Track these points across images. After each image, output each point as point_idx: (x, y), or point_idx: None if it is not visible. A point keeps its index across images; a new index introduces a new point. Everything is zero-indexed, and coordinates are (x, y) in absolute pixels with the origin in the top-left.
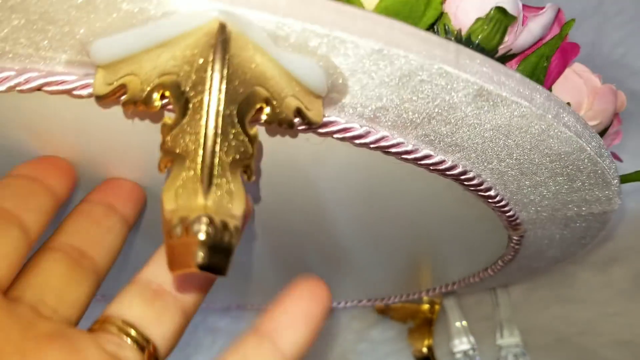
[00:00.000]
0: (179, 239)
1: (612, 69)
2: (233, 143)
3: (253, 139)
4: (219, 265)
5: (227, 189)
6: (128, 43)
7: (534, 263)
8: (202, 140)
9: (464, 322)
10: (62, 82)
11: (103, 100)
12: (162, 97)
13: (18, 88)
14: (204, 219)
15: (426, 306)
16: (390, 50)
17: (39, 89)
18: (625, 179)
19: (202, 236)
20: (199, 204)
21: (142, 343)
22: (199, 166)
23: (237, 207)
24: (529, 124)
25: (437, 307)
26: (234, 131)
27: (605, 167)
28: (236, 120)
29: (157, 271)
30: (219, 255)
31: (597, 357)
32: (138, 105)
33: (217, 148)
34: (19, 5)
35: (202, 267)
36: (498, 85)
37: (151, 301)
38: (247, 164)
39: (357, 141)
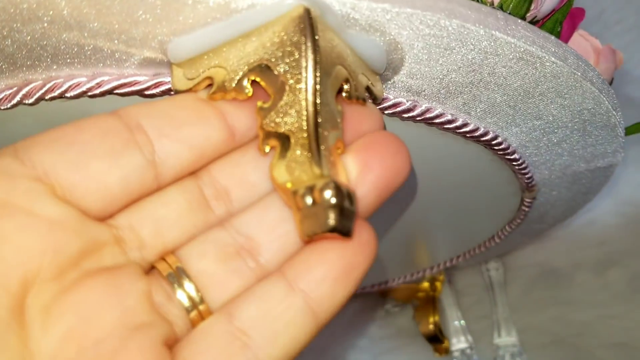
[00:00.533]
0: (310, 206)
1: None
2: (328, 118)
3: (341, 114)
4: (348, 227)
5: (332, 160)
6: (210, 38)
7: (537, 225)
8: (305, 117)
9: (462, 322)
10: (135, 83)
11: (184, 92)
12: (252, 83)
13: (90, 93)
14: (332, 184)
15: (427, 284)
16: (451, 20)
17: (111, 91)
18: (627, 131)
19: (333, 200)
20: (316, 173)
21: (195, 304)
22: (306, 141)
23: (343, 178)
24: (560, 82)
25: (438, 284)
26: (328, 107)
27: (617, 120)
28: (328, 96)
29: (252, 222)
30: (348, 218)
31: (593, 358)
32: (228, 94)
33: (319, 123)
34: (105, 7)
35: (335, 229)
36: (539, 47)
37: (227, 258)
38: (339, 138)
39: (405, 115)
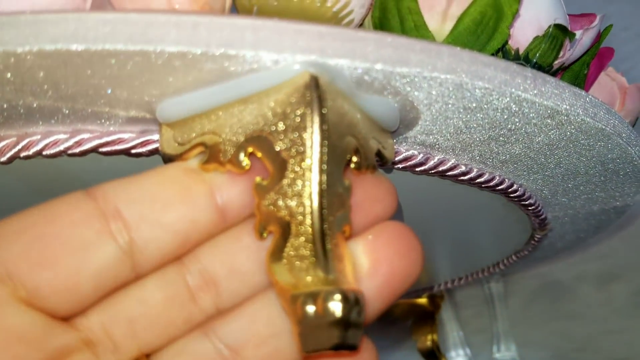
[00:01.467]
0: (312, 318)
1: None
2: (335, 200)
3: (349, 190)
4: (354, 342)
5: (337, 253)
6: (204, 100)
7: (544, 254)
8: (309, 204)
9: (461, 334)
10: (120, 141)
11: (173, 159)
12: (250, 155)
13: (69, 152)
14: (338, 295)
15: (424, 300)
16: (474, 83)
17: (93, 150)
18: None
19: (339, 313)
20: (319, 276)
21: None
22: (310, 233)
23: (350, 274)
24: (589, 137)
25: (439, 300)
26: (334, 188)
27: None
28: (335, 175)
29: (238, 332)
30: (354, 331)
31: None
32: (222, 166)
33: (325, 209)
34: (84, 73)
35: (339, 347)
36: (569, 106)
37: None
38: (346, 218)
39: (418, 169)
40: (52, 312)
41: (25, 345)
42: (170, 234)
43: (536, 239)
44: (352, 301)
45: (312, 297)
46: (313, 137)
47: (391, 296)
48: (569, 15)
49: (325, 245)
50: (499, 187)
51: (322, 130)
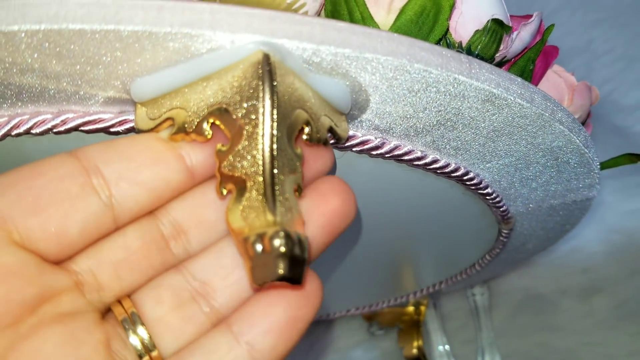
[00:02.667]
0: (260, 254)
1: (600, 105)
2: (286, 162)
3: (300, 157)
4: (298, 276)
5: (287, 205)
6: (171, 79)
7: (517, 255)
8: (261, 163)
9: (447, 346)
10: (100, 121)
11: (146, 132)
12: (212, 126)
13: (55, 130)
14: (282, 233)
15: (411, 308)
16: (412, 65)
17: (76, 129)
18: (602, 165)
19: (282, 249)
20: (268, 220)
21: (148, 350)
22: (261, 185)
23: (299, 223)
24: (528, 123)
25: (422, 308)
26: (285, 152)
27: (590, 157)
28: (286, 141)
29: (207, 267)
30: (297, 266)
31: None
32: (189, 135)
33: (275, 168)
34: (66, 51)
35: (284, 278)
36: (504, 90)
37: (182, 304)
38: (297, 182)
39: (374, 152)
40: (43, 255)
41: (20, 280)
42: (145, 191)
43: (504, 234)
44: (295, 239)
45: (260, 236)
46: (265, 105)
47: (333, 235)
48: (511, 15)
49: (274, 196)
50: (454, 174)
51: (272, 100)
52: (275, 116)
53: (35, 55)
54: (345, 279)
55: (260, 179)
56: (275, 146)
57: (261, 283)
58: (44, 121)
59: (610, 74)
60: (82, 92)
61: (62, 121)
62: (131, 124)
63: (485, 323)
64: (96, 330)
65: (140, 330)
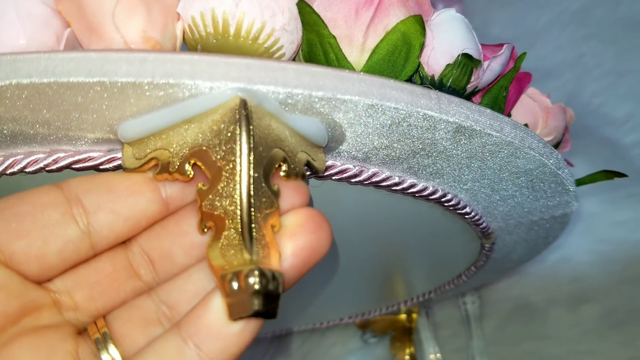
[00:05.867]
0: (236, 291)
1: (589, 118)
2: (263, 200)
3: (277, 194)
4: (272, 310)
5: (264, 242)
6: (155, 122)
7: (503, 265)
8: (238, 202)
9: (439, 355)
10: (89, 159)
11: (133, 171)
12: (193, 166)
13: (48, 168)
14: (256, 272)
15: (404, 316)
16: (383, 104)
17: (67, 167)
18: (579, 182)
19: (257, 286)
20: (245, 258)
21: None
22: (239, 225)
23: (275, 258)
24: (499, 150)
25: (414, 315)
26: (262, 190)
27: (563, 177)
28: (262, 180)
29: (174, 292)
30: (272, 302)
31: None
32: (172, 175)
33: (252, 208)
34: (55, 101)
35: (259, 314)
36: (473, 122)
37: (148, 325)
38: (274, 217)
39: (353, 180)
40: (25, 275)
41: (5, 294)
42: (122, 220)
43: (486, 248)
44: (269, 276)
45: (236, 274)
46: (242, 149)
47: (308, 266)
48: (483, 45)
49: (252, 235)
50: (432, 197)
51: (248, 143)
52: (252, 158)
53: (28, 106)
54: (338, 289)
55: (238, 219)
56: (252, 187)
57: (237, 318)
58: (36, 160)
59: (600, 87)
60: (71, 135)
61: (53, 160)
62: (119, 162)
63: (476, 331)
64: (68, 342)
65: (111, 349)
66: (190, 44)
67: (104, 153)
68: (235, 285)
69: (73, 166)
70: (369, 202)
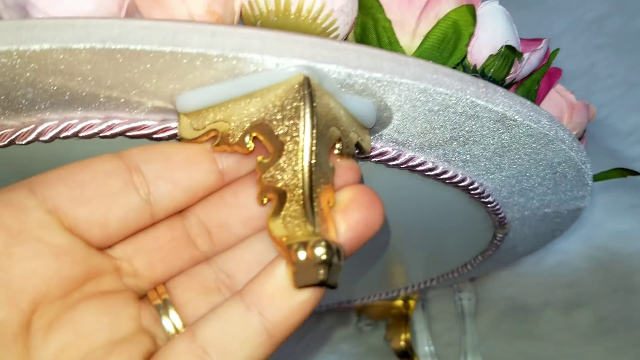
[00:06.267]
0: (303, 261)
1: (595, 127)
2: (321, 176)
3: (333, 170)
4: (334, 281)
5: (322, 216)
6: (217, 95)
7: (507, 256)
8: (300, 176)
9: (432, 347)
10: (144, 127)
11: (191, 141)
12: (253, 139)
13: (102, 134)
14: (323, 243)
15: (400, 302)
16: (435, 89)
17: (121, 134)
18: (595, 178)
19: (324, 257)
20: (308, 230)
21: (178, 331)
22: (301, 198)
23: (332, 232)
24: (533, 142)
25: (412, 302)
26: (321, 166)
27: (585, 172)
28: (322, 156)
29: (233, 262)
30: (335, 273)
31: None
32: (232, 147)
33: (313, 182)
34: (123, 66)
35: (323, 284)
36: (515, 112)
37: (208, 293)
38: (330, 193)
39: (391, 163)
40: (88, 241)
41: (70, 259)
42: (180, 190)
43: (498, 238)
44: (334, 249)
45: (303, 244)
46: (305, 125)
47: (361, 242)
48: (521, 39)
49: (313, 208)
50: (461, 184)
51: (312, 120)
52: (314, 134)
53: (95, 71)
54: (343, 273)
55: (300, 191)
56: (314, 161)
57: (302, 286)
58: (91, 126)
59: (609, 97)
60: (131, 102)
61: (108, 126)
62: (173, 132)
63: (470, 327)
64: (131, 307)
65: (172, 314)
66: (248, 20)
67: (158, 122)
68: (302, 255)
69: (127, 134)
70: (401, 186)
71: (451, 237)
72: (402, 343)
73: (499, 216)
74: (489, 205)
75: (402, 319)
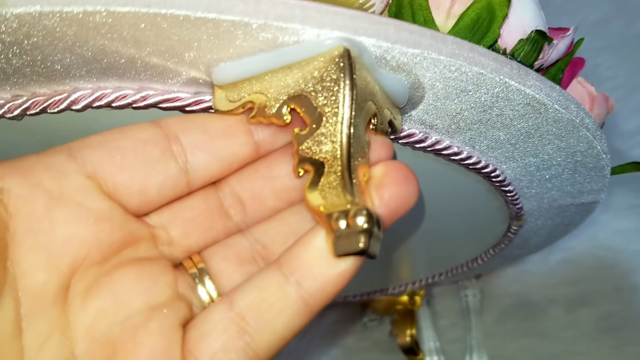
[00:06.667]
0: (343, 229)
1: None
2: (359, 149)
3: (369, 145)
4: (375, 251)
5: (360, 188)
6: (255, 66)
7: (519, 250)
8: (339, 148)
9: (437, 344)
10: (177, 99)
11: (225, 114)
12: (290, 111)
13: (135, 105)
14: (364, 211)
15: (406, 298)
16: (471, 68)
17: (154, 105)
18: (613, 171)
19: (365, 225)
20: (348, 199)
21: (214, 300)
22: (339, 169)
23: (370, 204)
24: (560, 127)
25: (417, 298)
26: (359, 139)
27: (605, 163)
28: (360, 129)
29: (268, 233)
30: (375, 242)
31: None
32: (268, 119)
33: (352, 153)
34: (164, 32)
35: (364, 252)
36: (546, 96)
37: (244, 262)
38: (365, 167)
39: (417, 145)
40: (126, 208)
41: (109, 224)
42: (217, 160)
43: (512, 230)
44: (375, 218)
45: (344, 213)
46: (345, 96)
47: (396, 216)
48: (548, 27)
49: (351, 179)
50: (484, 170)
51: (352, 91)
52: (354, 105)
53: (136, 34)
54: None
55: (339, 162)
56: (353, 132)
57: (342, 254)
58: (125, 96)
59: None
60: (168, 71)
61: (142, 97)
62: (206, 104)
63: (475, 324)
64: (167, 274)
65: (208, 283)
66: None
67: (191, 95)
68: (342, 223)
69: (160, 105)
70: (423, 171)
71: (465, 227)
72: (408, 339)
73: (517, 206)
74: (508, 195)
75: (408, 315)
